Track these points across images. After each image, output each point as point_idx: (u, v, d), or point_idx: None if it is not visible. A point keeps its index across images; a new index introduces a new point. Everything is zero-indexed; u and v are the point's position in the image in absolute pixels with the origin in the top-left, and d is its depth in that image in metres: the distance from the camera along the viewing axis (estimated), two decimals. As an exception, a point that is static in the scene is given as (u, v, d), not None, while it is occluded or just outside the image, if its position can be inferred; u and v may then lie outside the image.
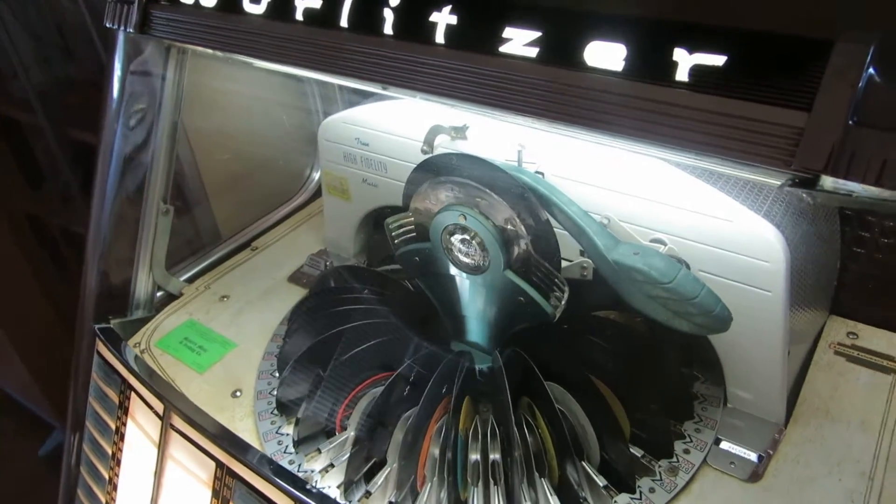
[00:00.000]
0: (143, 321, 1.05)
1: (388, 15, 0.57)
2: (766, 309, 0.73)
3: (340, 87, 1.29)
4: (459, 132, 0.78)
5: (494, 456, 0.76)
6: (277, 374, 0.92)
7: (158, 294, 1.11)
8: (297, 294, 1.09)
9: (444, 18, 0.54)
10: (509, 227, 0.77)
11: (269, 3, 0.66)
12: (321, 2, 0.62)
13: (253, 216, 1.31)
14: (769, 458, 0.76)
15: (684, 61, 0.45)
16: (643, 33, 0.47)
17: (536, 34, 0.50)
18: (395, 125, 0.93)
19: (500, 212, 0.77)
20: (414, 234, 0.88)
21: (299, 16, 0.63)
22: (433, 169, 0.81)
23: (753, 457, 0.77)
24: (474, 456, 0.78)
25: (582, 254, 0.80)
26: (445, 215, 0.80)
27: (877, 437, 0.78)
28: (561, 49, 0.50)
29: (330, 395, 0.83)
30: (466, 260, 0.82)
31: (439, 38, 0.55)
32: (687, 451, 0.77)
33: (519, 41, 0.51)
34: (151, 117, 1.01)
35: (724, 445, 0.79)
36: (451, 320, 0.91)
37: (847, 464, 0.75)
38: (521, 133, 0.82)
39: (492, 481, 0.74)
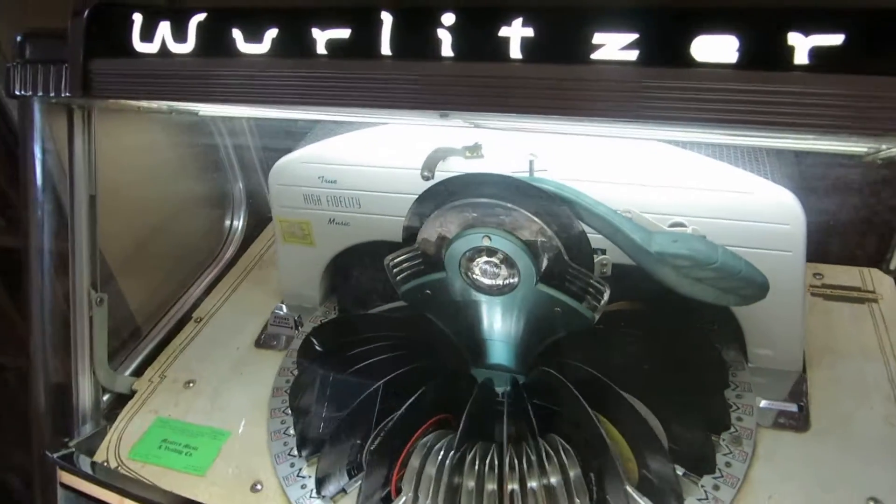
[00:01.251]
0: (100, 434, 0.88)
1: (444, 37, 0.52)
2: (788, 269, 0.77)
3: (256, 127, 1.19)
4: (475, 151, 0.74)
5: (532, 484, 0.72)
6: (300, 453, 0.81)
7: (105, 398, 0.94)
8: (272, 360, 0.97)
9: (517, 32, 0.51)
10: (540, 239, 0.74)
11: (277, 40, 0.57)
12: (353, 31, 0.55)
13: (172, 288, 1.15)
14: (808, 406, 0.81)
15: (801, 44, 0.46)
16: (753, 21, 0.47)
17: (633, 36, 0.48)
18: (369, 157, 0.87)
19: (528, 226, 0.74)
20: (421, 266, 0.82)
21: (322, 49, 0.56)
22: (443, 193, 0.76)
23: (794, 408, 0.82)
24: (513, 486, 0.72)
25: (601, 252, 0.80)
26: (465, 240, 0.76)
27: (883, 362, 0.86)
28: (663, 48, 0.48)
29: (383, 462, 0.75)
30: (490, 282, 0.78)
31: (515, 52, 0.51)
32: (740, 419, 0.80)
33: (614, 45, 0.49)
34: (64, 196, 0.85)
35: (764, 404, 0.82)
36: (470, 346, 0.87)
37: (871, 392, 0.82)
38: (517, 142, 0.80)
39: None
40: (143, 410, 0.91)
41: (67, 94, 0.65)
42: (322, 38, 0.55)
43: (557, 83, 0.50)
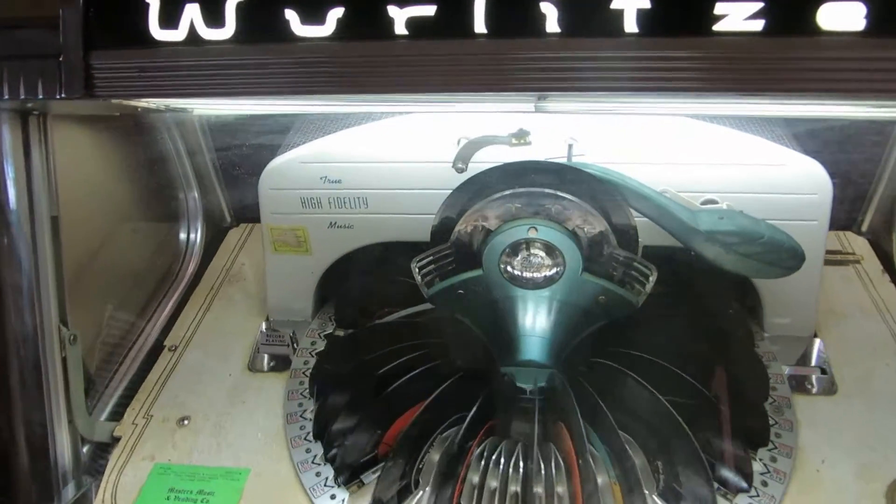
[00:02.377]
0: (86, 496, 0.76)
1: (549, 10, 0.47)
2: (813, 237, 0.79)
3: (209, 127, 1.07)
4: (521, 138, 0.69)
5: (560, 489, 0.70)
6: (339, 482, 0.73)
7: (84, 449, 0.81)
8: (273, 383, 0.88)
9: (631, 3, 0.47)
10: (587, 226, 0.71)
11: (344, 20, 0.50)
12: (439, 7, 0.49)
13: (131, 315, 1.01)
14: (830, 370, 0.84)
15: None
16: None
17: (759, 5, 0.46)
18: (380, 152, 0.80)
19: (576, 213, 0.71)
20: (452, 265, 0.76)
21: (402, 28, 0.49)
22: (482, 185, 0.71)
23: (818, 373, 0.84)
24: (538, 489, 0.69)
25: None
26: (508, 233, 0.71)
27: (882, 320, 0.91)
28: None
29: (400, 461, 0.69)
30: (532, 275, 0.74)
31: (630, 26, 0.47)
32: (774, 388, 0.81)
33: (738, 15, 0.46)
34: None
35: (789, 371, 0.84)
36: (502, 344, 0.82)
37: (880, 349, 0.86)
38: (544, 125, 0.76)
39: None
40: (134, 458, 0.79)
41: (61, 96, 0.54)
42: (401, 15, 0.48)
43: (676, 58, 0.47)
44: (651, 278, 0.73)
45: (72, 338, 0.77)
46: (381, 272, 0.92)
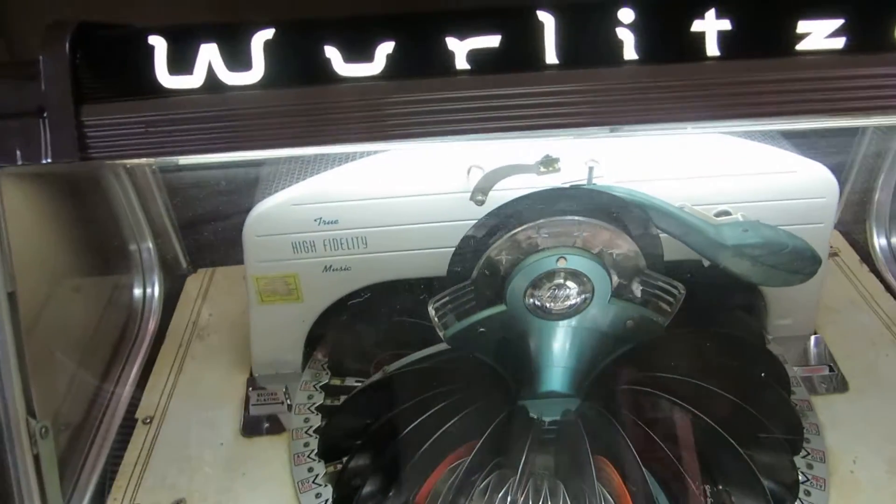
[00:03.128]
0: None
1: (625, 37, 0.44)
2: (819, 239, 0.79)
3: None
4: (550, 165, 0.65)
5: None
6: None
7: (65, 555, 0.70)
8: (274, 447, 0.80)
9: (711, 25, 0.44)
10: (615, 251, 0.68)
11: (394, 56, 0.44)
12: (504, 39, 0.44)
13: (88, 388, 0.89)
14: (837, 367, 0.86)
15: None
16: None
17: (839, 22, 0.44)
18: (381, 187, 0.73)
19: (604, 239, 0.67)
20: (472, 303, 0.71)
21: (463, 62, 0.44)
22: (505, 217, 0.66)
23: (826, 370, 0.85)
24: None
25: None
26: (535, 265, 0.67)
27: (871, 310, 0.93)
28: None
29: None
30: (558, 306, 0.70)
31: (711, 49, 0.44)
32: (793, 392, 0.82)
33: (820, 34, 0.44)
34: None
35: (801, 372, 0.85)
36: (523, 378, 0.78)
37: (877, 339, 0.89)
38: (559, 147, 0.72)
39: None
40: (128, 558, 0.69)
41: (48, 160, 0.44)
42: (461, 49, 0.43)
43: (761, 81, 0.44)
44: (679, 297, 0.71)
45: (42, 430, 0.65)
46: (376, 314, 0.86)
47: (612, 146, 0.74)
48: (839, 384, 0.83)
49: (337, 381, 0.87)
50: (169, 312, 1.01)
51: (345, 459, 0.74)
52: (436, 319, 0.71)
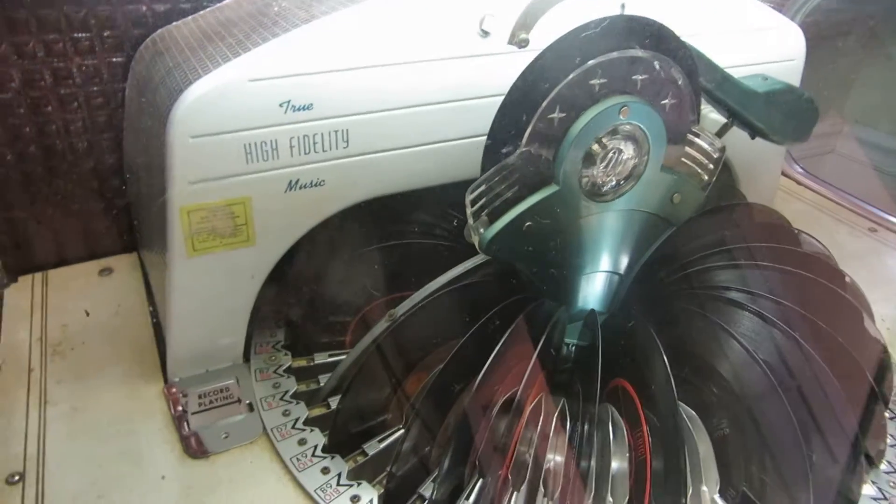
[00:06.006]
0: None
1: None
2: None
3: None
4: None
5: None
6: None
7: None
8: (252, 457, 0.53)
9: None
10: (671, 101, 0.58)
11: None
12: None
13: None
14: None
15: None
16: None
17: None
18: (366, 50, 0.53)
19: (665, 85, 0.56)
20: (514, 189, 0.55)
21: None
22: (554, 63, 0.51)
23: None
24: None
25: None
26: (595, 121, 0.53)
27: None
28: None
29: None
30: (610, 180, 0.57)
31: None
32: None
33: None
34: None
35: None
36: (561, 293, 0.63)
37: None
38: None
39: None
40: None
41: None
42: None
43: None
44: (720, 158, 0.63)
45: None
46: (352, 256, 0.64)
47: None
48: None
49: (302, 362, 0.63)
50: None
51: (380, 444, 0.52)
52: (476, 213, 0.53)
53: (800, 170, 1.03)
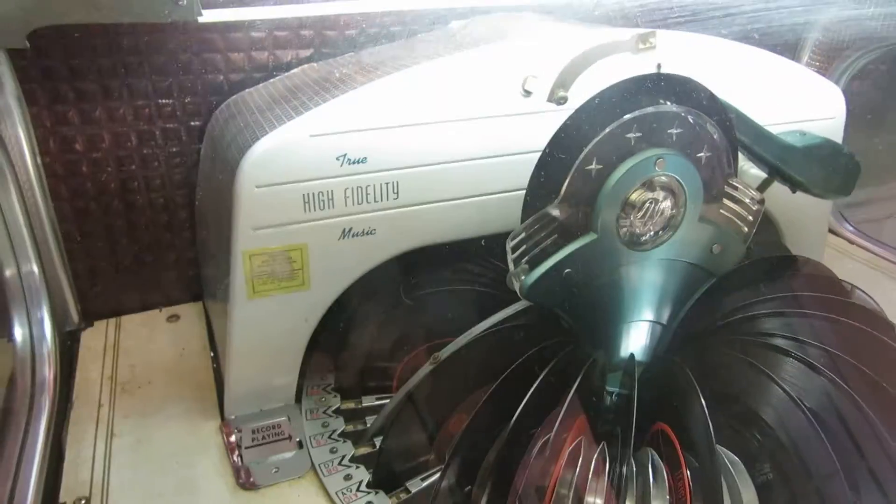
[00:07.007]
0: None
1: None
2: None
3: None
4: (646, 39, 0.55)
5: None
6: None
7: None
8: (301, 491, 0.55)
9: None
10: (706, 154, 0.60)
11: None
12: None
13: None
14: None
15: None
16: None
17: None
18: (413, 109, 0.58)
19: (701, 137, 0.59)
20: (554, 238, 0.58)
21: None
22: (593, 115, 0.55)
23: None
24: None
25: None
26: (631, 172, 0.56)
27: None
28: None
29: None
30: (648, 230, 0.60)
31: None
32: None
33: None
34: None
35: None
36: (602, 340, 0.64)
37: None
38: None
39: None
40: None
41: None
42: None
43: None
44: (759, 210, 0.64)
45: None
46: (396, 306, 0.68)
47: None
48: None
49: (350, 404, 0.66)
50: (64, 374, 0.71)
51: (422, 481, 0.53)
52: (517, 259, 0.56)
53: (851, 228, 1.02)
